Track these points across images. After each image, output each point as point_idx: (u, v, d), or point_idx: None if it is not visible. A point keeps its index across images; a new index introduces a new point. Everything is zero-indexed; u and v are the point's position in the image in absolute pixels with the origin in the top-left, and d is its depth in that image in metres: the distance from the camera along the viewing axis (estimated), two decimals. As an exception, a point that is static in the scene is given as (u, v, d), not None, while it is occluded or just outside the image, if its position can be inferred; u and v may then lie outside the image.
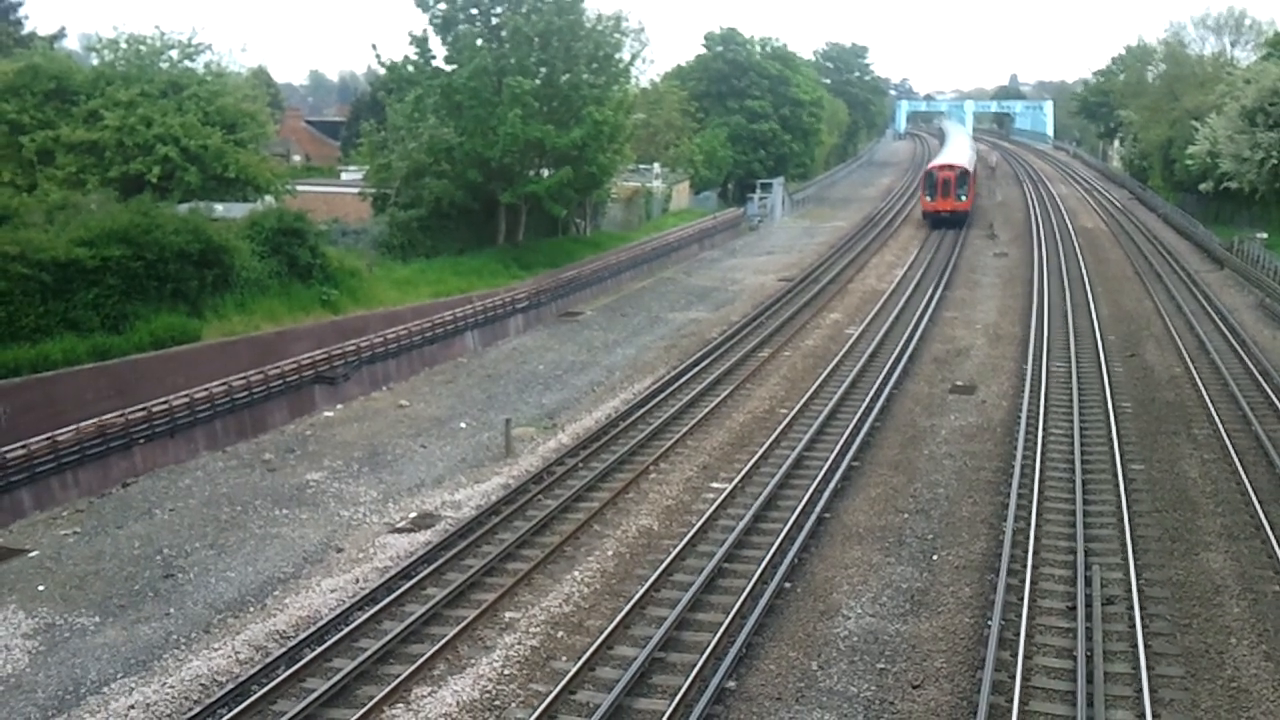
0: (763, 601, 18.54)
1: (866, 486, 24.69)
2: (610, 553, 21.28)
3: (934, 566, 20.53)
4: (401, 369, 35.18)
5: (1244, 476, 24.52)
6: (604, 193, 56.15)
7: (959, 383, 33.63)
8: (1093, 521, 22.13)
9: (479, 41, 45.20)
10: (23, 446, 23.40)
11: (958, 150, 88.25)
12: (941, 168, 72.12)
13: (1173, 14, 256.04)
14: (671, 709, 15.28)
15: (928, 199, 71.89)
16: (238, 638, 18.01)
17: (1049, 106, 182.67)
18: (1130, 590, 18.90)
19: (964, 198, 70.52)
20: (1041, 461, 25.51)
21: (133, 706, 15.95)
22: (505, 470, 26.20)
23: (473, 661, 17.21)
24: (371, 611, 18.53)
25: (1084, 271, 54.43)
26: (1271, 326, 41.34)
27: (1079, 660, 16.46)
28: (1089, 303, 45.88)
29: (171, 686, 16.48)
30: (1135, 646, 16.98)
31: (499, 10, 46.00)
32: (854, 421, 28.75)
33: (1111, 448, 26.63)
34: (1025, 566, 19.73)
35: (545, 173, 47.78)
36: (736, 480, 24.62)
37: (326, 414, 31.15)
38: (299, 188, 50.25)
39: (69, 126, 42.15)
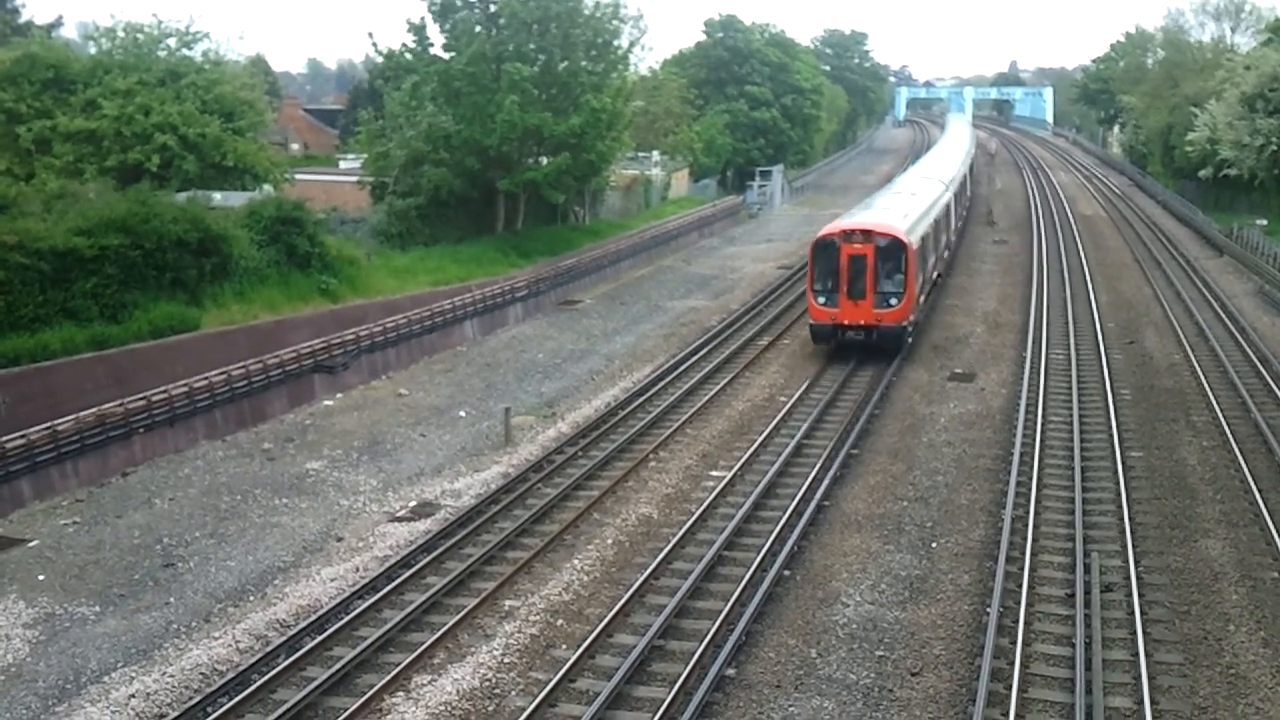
0: (762, 589, 18.56)
1: (865, 474, 24.70)
2: (610, 541, 21.30)
3: (933, 554, 20.55)
4: (401, 358, 35.17)
5: (1243, 463, 24.52)
6: (603, 180, 56.08)
7: (958, 370, 33.62)
8: (1092, 509, 22.14)
9: (477, 28, 45.12)
10: (22, 436, 23.42)
11: (910, 191, 45.30)
12: (849, 234, 33.93)
13: (1172, 0, 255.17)
14: (671, 696, 15.31)
15: (818, 298, 34.50)
16: (238, 627, 18.03)
17: (1049, 93, 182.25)
18: (1129, 577, 18.93)
19: (895, 300, 33.73)
20: (1040, 449, 25.52)
21: (133, 695, 15.98)
22: (505, 459, 26.21)
23: (473, 650, 17.24)
24: (372, 600, 18.55)
25: (1083, 259, 54.38)
26: (1270, 313, 41.33)
27: (1078, 647, 16.49)
28: (1088, 290, 45.85)
29: (172, 676, 16.50)
30: (1134, 633, 17.01)
31: (497, -3, 45.94)
32: (853, 409, 28.75)
33: (1110, 435, 26.64)
34: (1024, 554, 19.75)
35: (544, 160, 47.72)
36: (736, 468, 24.62)
37: (326, 403, 31.16)
38: (297, 176, 50.20)
39: (66, 115, 42.11)
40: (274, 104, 62.66)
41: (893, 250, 33.70)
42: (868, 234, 33.69)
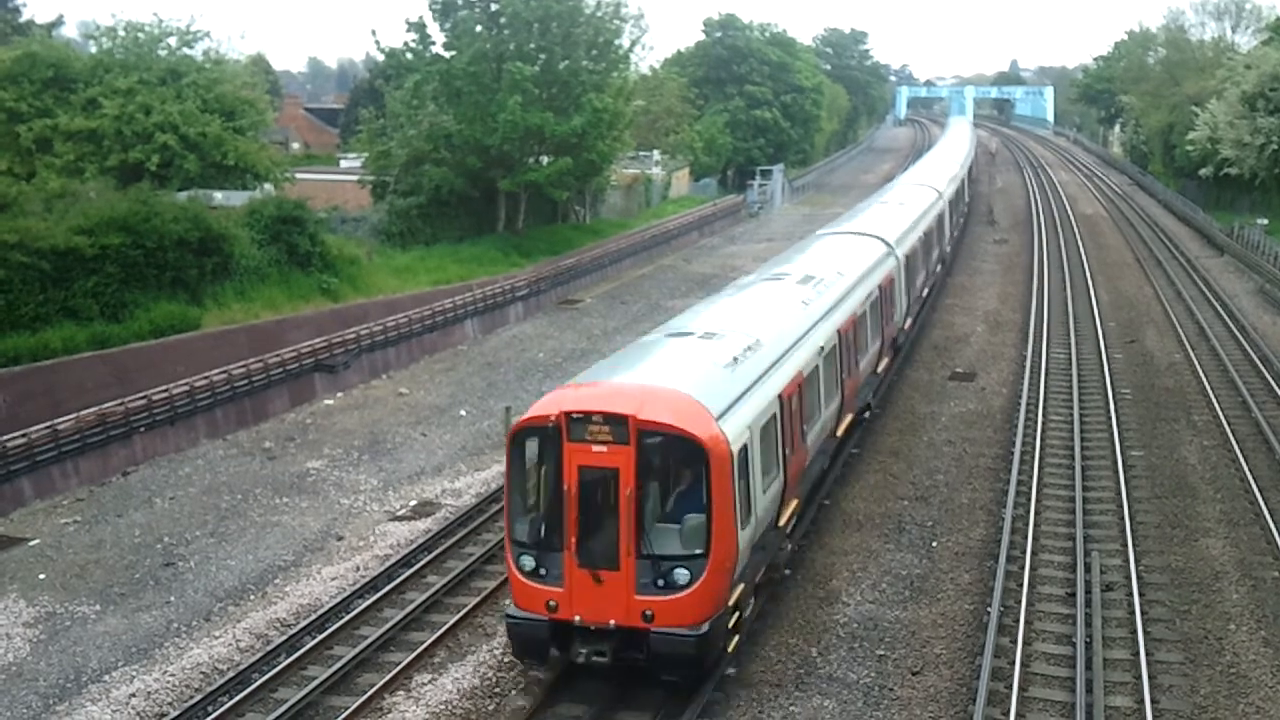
0: (762, 589, 18.53)
1: (866, 474, 24.67)
2: (610, 540, 21.25)
3: (933, 553, 20.55)
4: (401, 357, 35.18)
5: (1243, 463, 24.51)
6: (604, 180, 56.09)
7: (959, 370, 33.60)
8: (1092, 508, 22.13)
9: (478, 27, 45.12)
10: (23, 435, 23.44)
11: (802, 273, 23.76)
12: (582, 419, 14.34)
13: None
14: (671, 696, 15.30)
15: (521, 558, 14.88)
16: (238, 626, 18.04)
17: (1049, 92, 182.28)
18: (1130, 577, 18.93)
19: (685, 573, 14.33)
20: (1041, 448, 25.51)
21: (134, 694, 15.99)
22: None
23: (473, 649, 17.23)
24: (372, 599, 18.56)
25: (1084, 258, 54.33)
26: (1271, 312, 41.30)
27: (1078, 646, 16.49)
28: (1089, 289, 45.81)
29: (172, 674, 16.52)
30: (1134, 633, 17.02)
31: (498, -4, 45.95)
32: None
33: (1111, 434, 26.62)
34: (1025, 553, 19.75)
35: (545, 160, 47.73)
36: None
37: (326, 402, 31.16)
38: (298, 175, 50.17)
39: (67, 115, 42.09)
40: (275, 103, 62.56)
41: (679, 457, 14.94)
42: (620, 421, 14.47)
